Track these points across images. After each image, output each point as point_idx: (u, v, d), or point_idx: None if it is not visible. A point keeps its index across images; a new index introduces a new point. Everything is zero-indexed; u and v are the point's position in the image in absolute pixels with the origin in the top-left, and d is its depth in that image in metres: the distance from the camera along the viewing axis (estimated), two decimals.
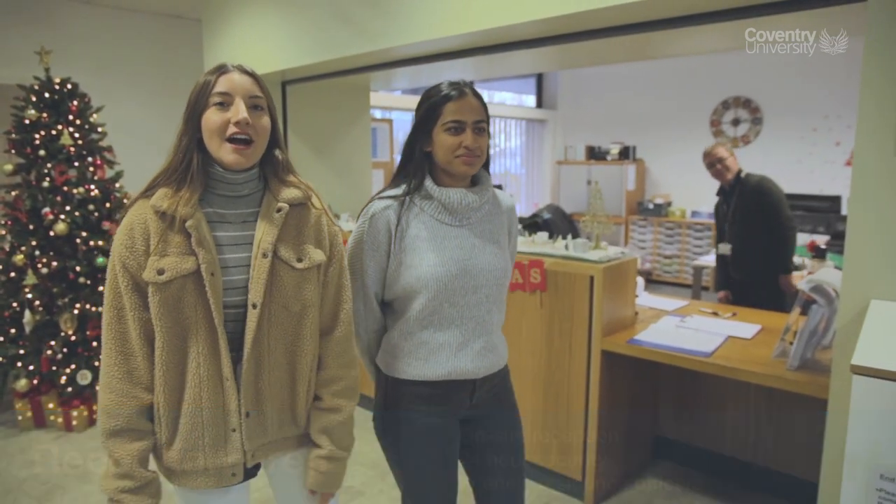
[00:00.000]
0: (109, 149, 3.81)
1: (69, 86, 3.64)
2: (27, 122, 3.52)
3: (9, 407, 3.65)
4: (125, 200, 3.76)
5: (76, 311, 3.48)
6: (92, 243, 3.56)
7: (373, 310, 1.57)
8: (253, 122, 1.22)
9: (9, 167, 3.54)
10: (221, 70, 1.24)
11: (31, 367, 3.45)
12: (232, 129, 1.20)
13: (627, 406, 2.80)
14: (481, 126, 1.50)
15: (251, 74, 1.26)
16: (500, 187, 1.75)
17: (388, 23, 2.90)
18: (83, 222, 3.54)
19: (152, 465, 1.28)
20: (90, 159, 3.65)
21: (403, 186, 1.54)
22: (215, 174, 1.25)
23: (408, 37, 2.83)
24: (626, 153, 7.84)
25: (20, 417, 3.51)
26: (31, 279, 3.43)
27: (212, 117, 1.20)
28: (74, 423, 3.51)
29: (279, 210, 1.28)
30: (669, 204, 7.70)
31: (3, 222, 3.54)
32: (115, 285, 1.21)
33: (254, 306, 1.24)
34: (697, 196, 7.41)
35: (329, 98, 4.20)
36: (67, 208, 3.50)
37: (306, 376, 1.35)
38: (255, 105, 1.24)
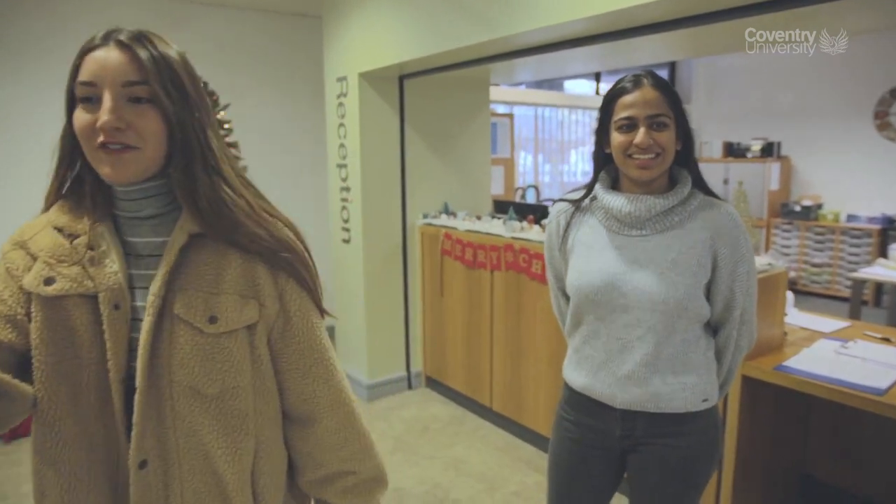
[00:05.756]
0: (235, 144, 3.92)
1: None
2: None
3: None
4: None
5: None
6: None
7: (561, 306, 1.60)
8: (131, 121, 0.82)
9: None
10: (87, 46, 0.85)
11: None
12: (100, 136, 0.82)
13: (770, 439, 2.43)
14: (660, 121, 1.30)
15: (132, 45, 0.83)
16: (715, 196, 1.44)
17: (508, 9, 2.71)
18: None
19: None
20: None
21: (585, 189, 1.48)
22: (112, 187, 0.89)
23: (528, 23, 2.62)
24: (769, 150, 7.11)
25: None
26: None
27: (78, 118, 0.84)
28: None
29: (182, 247, 0.87)
30: (820, 206, 6.89)
31: None
32: None
33: (126, 383, 0.85)
34: (855, 198, 6.58)
35: (447, 92, 4.08)
36: None
37: (245, 490, 0.92)
38: (135, 97, 0.83)
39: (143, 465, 0.85)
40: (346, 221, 3.96)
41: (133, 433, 0.84)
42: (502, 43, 2.93)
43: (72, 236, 0.89)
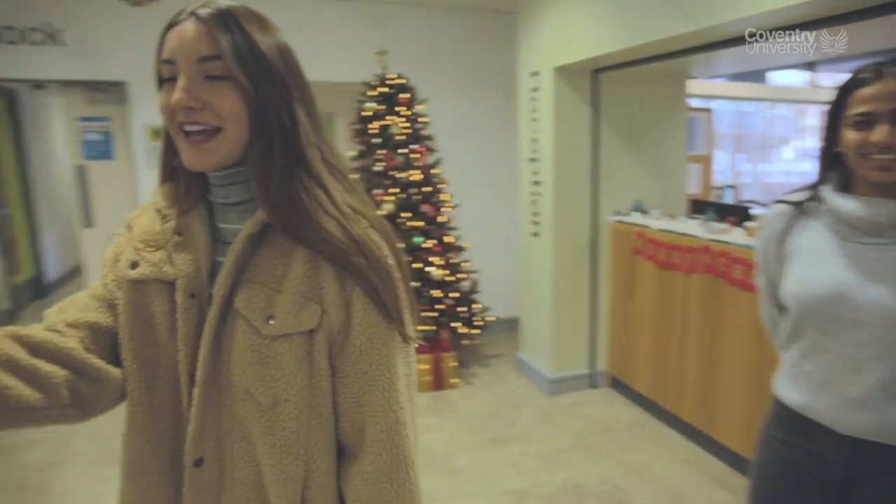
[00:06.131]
0: (431, 137, 4.14)
1: (401, 81, 4.03)
2: (366, 114, 3.99)
3: None
4: (440, 186, 4.04)
5: None
6: (411, 223, 3.89)
7: (773, 314, 1.46)
8: (207, 100, 0.77)
9: (352, 153, 4.08)
10: (171, 21, 0.80)
11: None
12: (178, 116, 0.78)
13: None
14: None
15: (209, 19, 0.77)
16: None
17: None
18: (405, 204, 3.90)
19: None
20: (414, 146, 4.00)
21: (809, 190, 1.34)
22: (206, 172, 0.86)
23: (733, 11, 2.43)
24: None
25: None
26: None
27: (161, 99, 0.80)
28: None
29: (249, 235, 0.81)
30: None
31: None
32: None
33: (193, 380, 0.81)
34: None
35: (642, 86, 3.94)
36: (393, 191, 3.88)
37: None
38: (211, 74, 0.77)
39: (198, 463, 0.81)
40: (535, 215, 3.99)
41: (190, 428, 0.80)
42: (703, 34, 2.76)
43: (166, 220, 0.87)
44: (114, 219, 4.26)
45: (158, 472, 0.84)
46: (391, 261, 0.82)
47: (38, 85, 5.27)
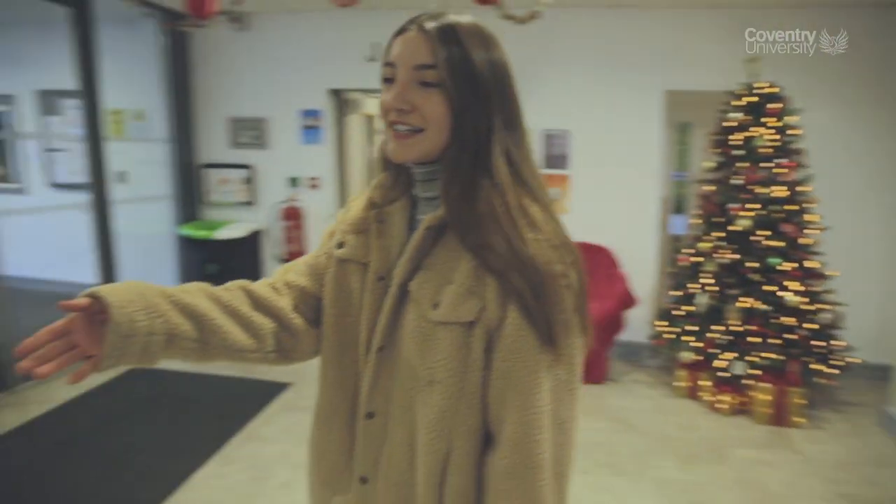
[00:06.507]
0: (802, 151, 3.77)
1: (772, 90, 3.75)
2: (729, 124, 3.82)
3: (670, 373, 4.15)
4: (807, 205, 3.68)
5: (741, 304, 3.64)
6: (768, 243, 3.62)
7: None
8: (417, 104, 0.86)
9: (709, 164, 3.96)
10: (399, 29, 0.90)
11: (696, 345, 3.79)
12: (391, 115, 0.88)
13: None
14: None
15: (431, 31, 0.85)
16: None
17: None
18: (764, 221, 3.64)
19: None
20: (781, 160, 3.69)
21: None
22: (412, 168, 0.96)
23: None
24: None
25: (677, 385, 3.96)
26: (710, 266, 3.77)
27: (382, 94, 0.90)
28: (720, 405, 3.70)
29: (428, 227, 0.89)
30: None
31: (698, 212, 4.01)
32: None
33: (380, 349, 0.93)
34: None
35: None
36: (752, 206, 3.66)
37: (429, 499, 0.89)
38: (424, 81, 0.85)
39: (370, 415, 0.94)
40: None
41: (364, 386, 0.94)
42: None
43: (374, 207, 0.98)
44: None
45: (340, 419, 0.99)
46: (565, 279, 0.83)
47: None
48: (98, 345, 0.81)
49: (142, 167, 5.19)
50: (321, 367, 1.02)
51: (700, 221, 3.94)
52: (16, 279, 4.04)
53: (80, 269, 4.45)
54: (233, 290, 0.98)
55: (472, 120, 0.86)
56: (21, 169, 5.79)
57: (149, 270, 5.17)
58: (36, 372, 0.77)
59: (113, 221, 4.44)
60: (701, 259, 3.85)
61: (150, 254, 5.16)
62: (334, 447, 0.99)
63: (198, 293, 0.94)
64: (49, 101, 5.54)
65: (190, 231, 4.95)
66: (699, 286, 3.81)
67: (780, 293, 3.57)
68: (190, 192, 5.19)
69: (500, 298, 0.84)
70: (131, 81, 5.10)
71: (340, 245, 0.99)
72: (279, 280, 1.04)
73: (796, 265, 3.60)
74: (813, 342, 3.60)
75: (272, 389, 3.90)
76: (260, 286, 1.01)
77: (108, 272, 4.41)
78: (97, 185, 4.33)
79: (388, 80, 0.88)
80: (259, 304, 0.98)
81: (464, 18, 0.88)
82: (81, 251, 4.41)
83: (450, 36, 0.85)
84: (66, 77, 4.24)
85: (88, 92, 4.20)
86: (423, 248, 0.90)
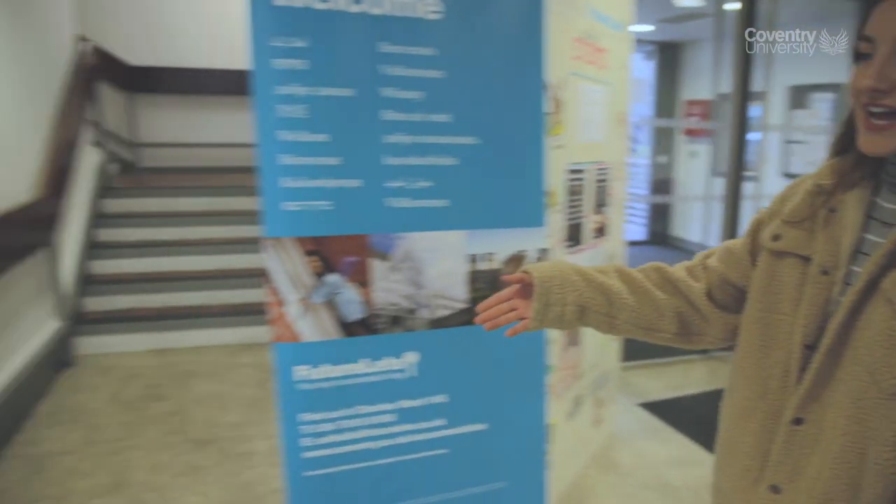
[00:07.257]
0: None
1: None
2: None
3: None
4: None
5: None
6: None
7: None
8: None
9: None
10: None
11: None
12: (863, 97, 0.73)
13: None
14: None
15: None
16: None
17: None
18: None
19: None
20: None
21: None
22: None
23: None
24: None
25: None
26: None
27: (851, 74, 0.76)
28: None
29: None
30: None
31: None
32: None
33: (807, 347, 0.80)
34: None
35: None
36: None
37: None
38: None
39: (797, 421, 0.81)
40: None
41: (800, 389, 0.80)
42: None
43: (823, 194, 0.85)
44: None
45: (758, 420, 0.87)
46: None
47: None
48: (529, 310, 1.02)
49: None
50: (736, 362, 0.94)
51: None
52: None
53: None
54: (647, 271, 1.06)
55: None
56: (754, 159, 5.55)
57: None
58: (486, 326, 1.02)
59: None
60: None
61: None
62: (748, 449, 0.88)
63: (612, 273, 1.05)
64: (798, 95, 6.01)
65: None
66: None
67: None
68: None
69: None
70: None
71: (776, 237, 0.88)
72: (698, 264, 1.05)
73: None
74: None
75: None
76: (676, 269, 1.05)
77: None
78: None
79: (862, 57, 0.74)
80: (669, 285, 1.03)
81: None
82: None
83: None
84: (816, 72, 4.31)
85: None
86: None
